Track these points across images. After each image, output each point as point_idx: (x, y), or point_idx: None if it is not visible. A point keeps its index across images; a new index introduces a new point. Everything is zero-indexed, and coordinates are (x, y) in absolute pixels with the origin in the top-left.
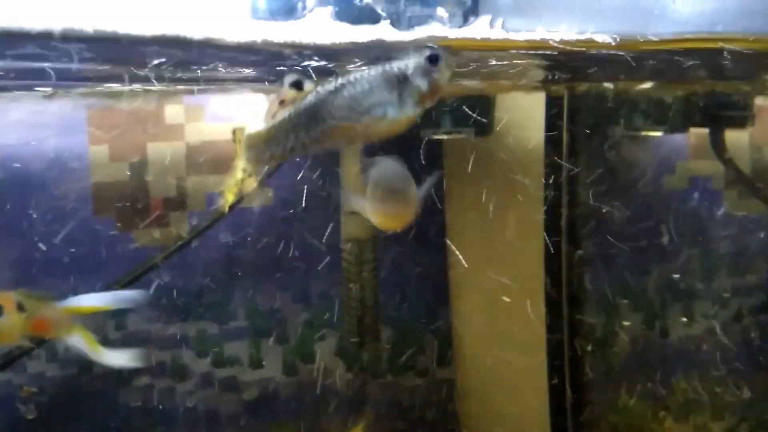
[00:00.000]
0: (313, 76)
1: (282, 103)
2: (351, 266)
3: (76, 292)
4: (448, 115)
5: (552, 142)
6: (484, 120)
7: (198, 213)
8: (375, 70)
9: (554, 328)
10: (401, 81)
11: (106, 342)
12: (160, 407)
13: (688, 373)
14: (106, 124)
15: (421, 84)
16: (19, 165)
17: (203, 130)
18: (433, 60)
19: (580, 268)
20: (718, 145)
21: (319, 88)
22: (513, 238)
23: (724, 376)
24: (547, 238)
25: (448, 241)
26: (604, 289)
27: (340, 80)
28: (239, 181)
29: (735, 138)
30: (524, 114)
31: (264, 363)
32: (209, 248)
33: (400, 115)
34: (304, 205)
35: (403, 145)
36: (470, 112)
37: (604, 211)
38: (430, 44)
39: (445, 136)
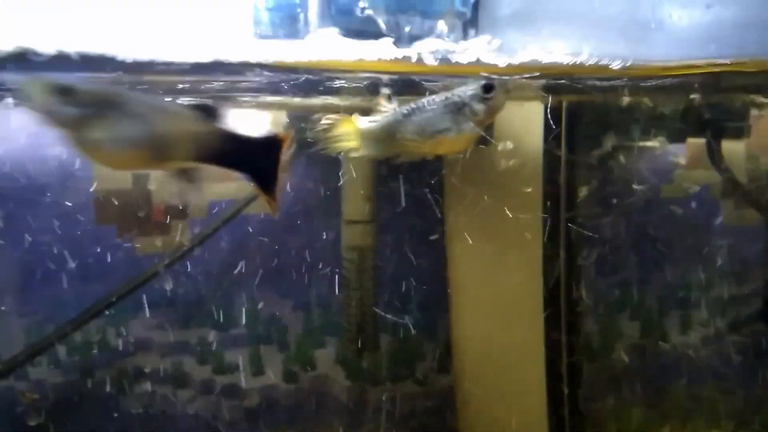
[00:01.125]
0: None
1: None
2: (351, 274)
3: (78, 300)
4: None
5: (550, 152)
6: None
7: (200, 221)
8: (439, 98)
9: (553, 335)
10: (462, 107)
11: (108, 348)
12: (161, 414)
13: (686, 380)
14: None
15: (478, 109)
16: (22, 172)
17: None
18: (487, 89)
19: (579, 276)
20: (714, 155)
21: (397, 109)
22: (512, 246)
23: (720, 383)
24: (545, 245)
25: (448, 249)
26: (602, 296)
27: (412, 104)
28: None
29: (731, 147)
30: (523, 123)
31: (264, 370)
32: (210, 255)
33: (461, 136)
34: (305, 212)
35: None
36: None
37: (601, 219)
38: (484, 75)
39: None
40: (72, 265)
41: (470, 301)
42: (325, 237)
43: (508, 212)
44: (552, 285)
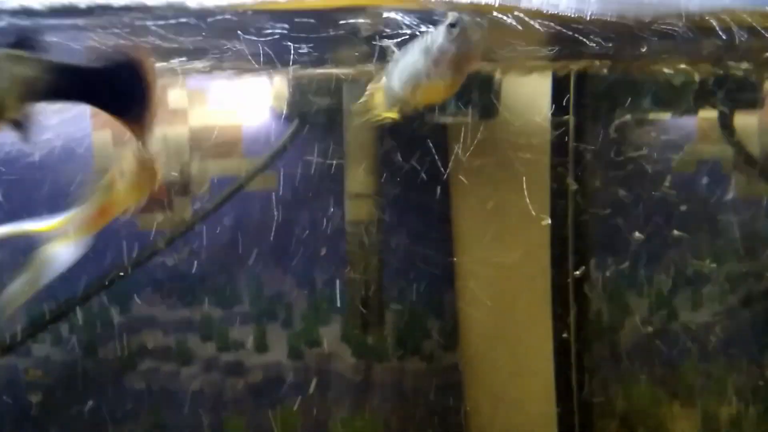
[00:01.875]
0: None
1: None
2: (356, 249)
3: (80, 275)
4: (452, 98)
5: (558, 125)
6: (489, 102)
7: (201, 198)
8: (417, 41)
9: (560, 311)
10: (431, 49)
11: (111, 325)
12: (165, 390)
13: (696, 358)
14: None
15: (445, 48)
16: (22, 150)
17: (207, 115)
18: (452, 25)
19: (587, 252)
20: (727, 127)
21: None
22: (519, 221)
23: (731, 361)
24: (553, 220)
25: (453, 223)
26: (611, 273)
27: (399, 53)
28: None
29: (743, 121)
30: (530, 96)
31: (269, 347)
32: (213, 232)
33: (436, 81)
34: (308, 187)
35: (407, 129)
36: (475, 94)
37: (610, 194)
38: (452, 11)
39: (450, 119)
40: None
41: (476, 277)
42: (329, 211)
43: (514, 186)
44: (559, 260)
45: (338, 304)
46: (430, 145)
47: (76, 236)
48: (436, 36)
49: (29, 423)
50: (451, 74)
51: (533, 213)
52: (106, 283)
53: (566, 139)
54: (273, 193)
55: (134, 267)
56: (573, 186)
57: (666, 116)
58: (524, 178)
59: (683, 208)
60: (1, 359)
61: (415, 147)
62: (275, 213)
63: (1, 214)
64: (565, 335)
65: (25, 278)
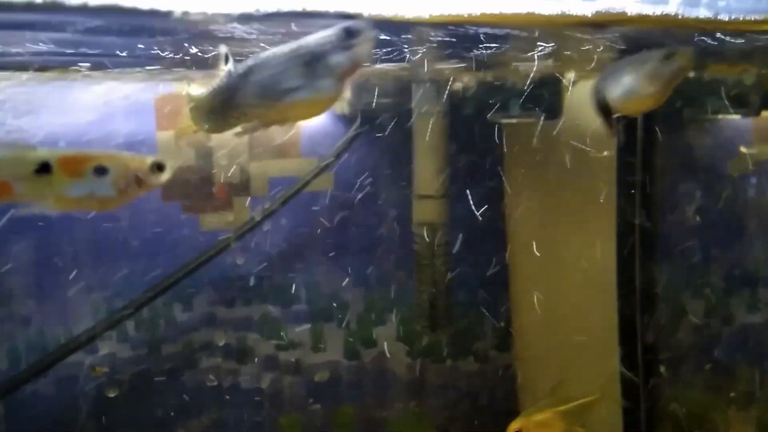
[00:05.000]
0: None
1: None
2: (423, 250)
3: (144, 276)
4: (516, 99)
5: (624, 126)
6: (553, 103)
7: (260, 198)
8: (286, 48)
9: (627, 313)
10: (317, 59)
11: (173, 322)
12: (227, 387)
13: (752, 361)
14: (173, 111)
15: (340, 60)
16: (88, 148)
17: None
18: (351, 34)
19: (654, 256)
20: None
21: (231, 69)
22: (580, 222)
23: None
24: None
25: (508, 224)
26: (673, 277)
27: (250, 62)
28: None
29: None
30: None
31: (325, 347)
32: (275, 232)
33: (317, 96)
34: (371, 187)
35: (470, 130)
36: (541, 95)
37: (677, 194)
38: (347, 15)
39: (514, 120)
40: (139, 241)
41: (531, 280)
42: (393, 212)
43: (577, 188)
44: (626, 261)
45: (398, 305)
46: (492, 145)
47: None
48: (319, 44)
49: (94, 418)
50: (345, 85)
51: (599, 214)
52: (171, 282)
53: (634, 140)
54: (336, 192)
55: (198, 267)
56: (638, 188)
57: (734, 116)
58: (587, 179)
59: (742, 208)
60: (69, 357)
61: (477, 148)
62: (338, 213)
63: None
64: (631, 338)
65: None
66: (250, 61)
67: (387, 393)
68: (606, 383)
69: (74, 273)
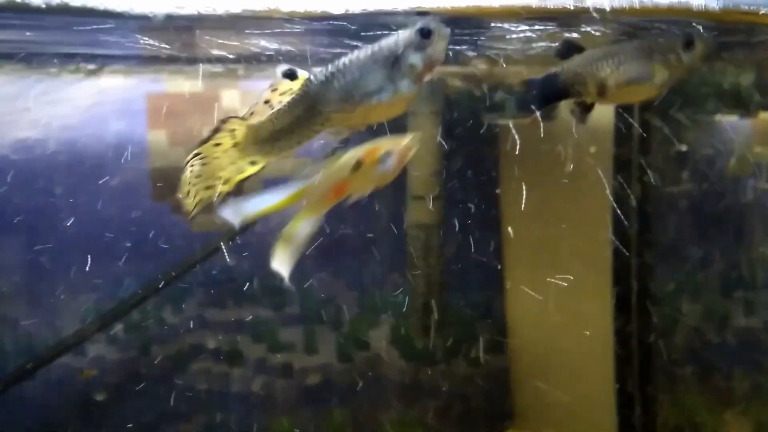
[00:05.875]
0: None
1: (274, 91)
2: (417, 252)
3: (135, 276)
4: (513, 100)
5: (622, 127)
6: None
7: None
8: (364, 53)
9: (622, 319)
10: (396, 60)
11: (164, 324)
12: (217, 390)
13: (749, 365)
14: (165, 110)
15: (416, 61)
16: (79, 148)
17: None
18: (425, 34)
19: (650, 260)
20: None
21: (312, 78)
22: (576, 225)
23: None
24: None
25: (502, 226)
26: (669, 279)
27: (330, 68)
28: (246, 174)
29: None
30: None
31: (319, 349)
32: (267, 234)
33: (397, 97)
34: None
35: (465, 131)
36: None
37: (674, 197)
38: (421, 15)
39: (510, 121)
40: (129, 241)
41: (526, 283)
42: (387, 214)
43: (572, 189)
44: (622, 266)
45: (392, 307)
46: (487, 147)
47: (312, 212)
48: (397, 46)
49: (83, 421)
50: (420, 85)
51: (594, 217)
52: (161, 284)
53: (631, 141)
54: None
55: (189, 269)
56: (636, 191)
57: (732, 117)
58: (583, 180)
59: (739, 210)
60: (58, 359)
61: (472, 149)
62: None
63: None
64: (626, 342)
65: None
66: (329, 68)
67: (380, 395)
68: (600, 385)
69: (61, 274)
